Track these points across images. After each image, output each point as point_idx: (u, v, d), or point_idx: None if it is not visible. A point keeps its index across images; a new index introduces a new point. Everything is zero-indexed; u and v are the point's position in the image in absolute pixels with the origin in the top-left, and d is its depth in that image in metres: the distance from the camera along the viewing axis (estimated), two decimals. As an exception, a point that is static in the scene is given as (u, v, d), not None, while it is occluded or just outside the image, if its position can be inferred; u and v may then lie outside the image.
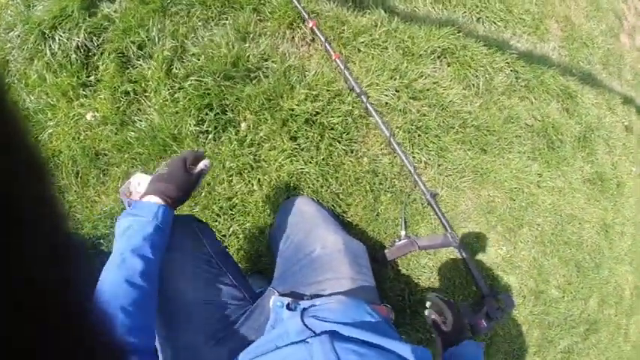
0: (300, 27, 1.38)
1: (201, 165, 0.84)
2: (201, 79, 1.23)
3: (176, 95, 1.22)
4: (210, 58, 1.25)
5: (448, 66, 1.47)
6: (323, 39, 1.36)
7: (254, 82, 1.27)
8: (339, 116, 1.31)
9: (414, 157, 1.40)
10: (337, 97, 1.33)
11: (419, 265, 1.45)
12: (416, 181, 1.39)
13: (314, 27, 1.36)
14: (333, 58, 1.36)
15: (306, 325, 0.67)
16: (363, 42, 1.38)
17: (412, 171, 1.38)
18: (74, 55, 1.23)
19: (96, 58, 1.26)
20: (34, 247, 0.14)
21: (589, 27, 1.91)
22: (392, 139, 1.35)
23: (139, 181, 1.24)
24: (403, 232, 1.39)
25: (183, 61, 1.25)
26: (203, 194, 1.24)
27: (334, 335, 0.64)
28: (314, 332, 0.66)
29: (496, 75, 1.53)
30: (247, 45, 1.30)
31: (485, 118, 1.49)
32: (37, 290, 0.14)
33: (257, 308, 0.84)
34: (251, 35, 1.32)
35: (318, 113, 1.29)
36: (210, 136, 1.23)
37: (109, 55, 1.24)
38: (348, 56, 1.39)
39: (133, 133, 1.22)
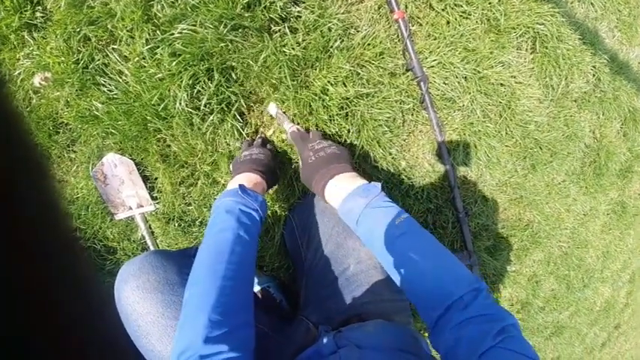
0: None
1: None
2: (196, 27, 0.68)
3: (158, 51, 0.69)
4: (214, -8, 0.69)
5: (531, 53, 0.97)
6: (387, -16, 0.81)
7: (276, 39, 0.74)
8: (388, 108, 0.83)
9: (460, 167, 0.98)
10: (390, 78, 0.83)
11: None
12: (454, 197, 0.99)
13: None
14: (395, 17, 0.83)
15: (337, 344, 0.57)
16: (440, -4, 0.84)
17: (453, 186, 0.97)
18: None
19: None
20: (36, 246, 0.12)
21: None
22: (443, 147, 0.90)
23: (115, 163, 0.78)
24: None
25: (170, -5, 0.67)
26: (199, 194, 0.80)
27: (362, 346, 0.54)
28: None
29: (578, 79, 1.05)
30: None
31: (549, 132, 1.05)
32: (38, 289, 0.11)
33: (287, 341, 0.66)
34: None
35: (359, 99, 0.81)
36: (211, 118, 0.74)
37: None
38: (414, 15, 0.85)
39: (99, 104, 0.71)
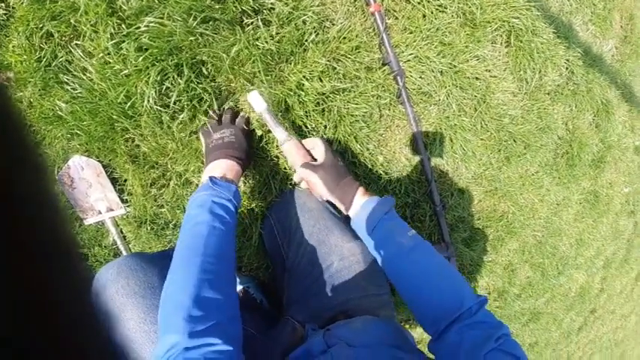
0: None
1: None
2: (163, 20, 0.66)
3: (124, 46, 0.66)
4: (184, -18, 0.66)
5: (506, 47, 0.97)
6: (362, -24, 0.79)
7: (248, 32, 0.72)
8: (364, 103, 0.82)
9: (436, 161, 0.98)
10: (366, 72, 0.82)
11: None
12: (431, 190, 0.99)
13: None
14: (371, 10, 0.81)
15: (327, 342, 0.57)
16: (415, -9, 0.83)
17: (430, 179, 0.97)
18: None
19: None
20: (36, 246, 0.12)
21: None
22: (420, 141, 0.90)
23: (82, 166, 0.74)
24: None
25: (135, -15, 0.65)
26: (172, 192, 0.77)
27: (353, 344, 0.55)
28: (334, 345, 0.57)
29: (551, 72, 1.06)
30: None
31: (523, 124, 1.06)
32: (38, 289, 0.12)
33: (274, 342, 0.66)
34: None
35: (335, 94, 0.79)
36: (182, 116, 0.71)
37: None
38: (390, 8, 0.84)
39: (63, 103, 0.68)
